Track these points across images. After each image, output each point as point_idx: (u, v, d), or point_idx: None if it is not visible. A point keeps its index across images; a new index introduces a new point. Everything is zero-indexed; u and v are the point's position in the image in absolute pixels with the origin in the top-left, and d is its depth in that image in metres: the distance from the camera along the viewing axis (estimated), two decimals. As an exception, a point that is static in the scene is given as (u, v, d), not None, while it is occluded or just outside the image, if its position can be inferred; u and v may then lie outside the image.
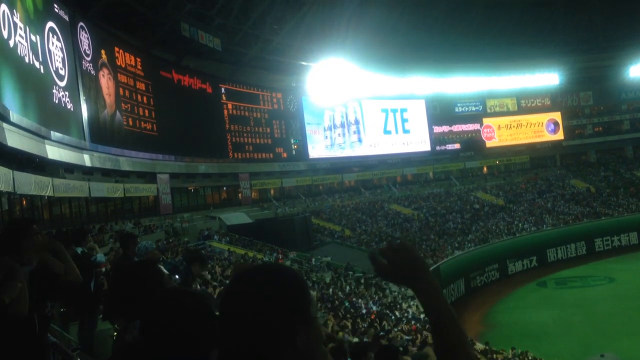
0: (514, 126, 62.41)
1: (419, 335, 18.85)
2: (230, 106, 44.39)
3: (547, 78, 61.79)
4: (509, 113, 62.86)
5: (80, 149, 27.68)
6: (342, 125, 54.02)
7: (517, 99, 62.99)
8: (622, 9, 58.72)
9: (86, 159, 28.15)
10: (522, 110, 63.16)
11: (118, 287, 2.68)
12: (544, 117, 62.95)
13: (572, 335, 26.27)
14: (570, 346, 24.28)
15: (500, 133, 61.95)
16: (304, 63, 49.54)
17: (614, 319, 27.70)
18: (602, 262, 43.00)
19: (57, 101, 25.37)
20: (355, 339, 15.12)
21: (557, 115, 62.96)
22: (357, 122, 54.69)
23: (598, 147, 63.87)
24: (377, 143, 55.53)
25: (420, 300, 1.68)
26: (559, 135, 62.81)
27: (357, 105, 54.76)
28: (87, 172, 29.26)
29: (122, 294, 2.56)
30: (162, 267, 2.74)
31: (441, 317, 1.66)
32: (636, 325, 26.35)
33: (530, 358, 21.03)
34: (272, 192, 49.16)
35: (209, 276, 18.85)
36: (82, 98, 28.38)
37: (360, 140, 54.85)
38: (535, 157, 62.75)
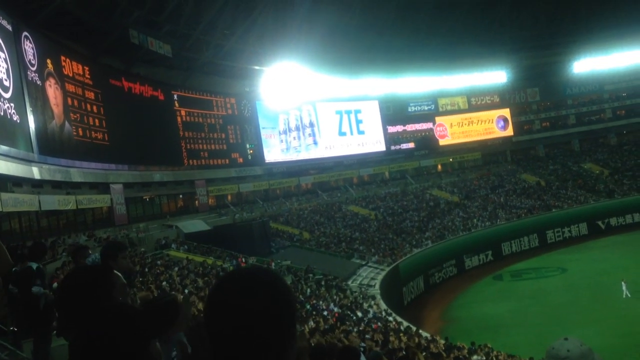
0: (465, 124, 63.67)
1: (380, 335, 19.03)
2: (183, 113, 43.88)
3: (496, 76, 63.35)
4: (460, 111, 64.11)
5: (28, 161, 26.88)
6: (297, 129, 54.06)
7: (467, 97, 64.30)
8: (565, 7, 60.76)
9: (35, 172, 27.37)
10: (472, 108, 64.51)
11: (65, 297, 2.52)
12: (494, 114, 64.44)
13: (529, 326, 27.01)
14: (527, 337, 24.95)
15: (453, 131, 63.10)
16: (256, 67, 49.39)
17: (568, 309, 28.62)
18: (555, 253, 44.35)
19: (2, 113, 24.59)
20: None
21: (506, 112, 64.54)
22: (312, 125, 54.83)
23: (546, 142, 65.84)
24: (332, 145, 55.79)
25: None
26: (509, 132, 64.39)
27: (312, 108, 54.90)
28: (36, 185, 28.46)
29: (69, 304, 2.41)
30: (116, 273, 2.65)
31: None
32: (589, 314, 27.31)
33: (491, 350, 21.46)
34: (229, 197, 48.79)
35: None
36: (29, 109, 27.56)
37: (315, 142, 55.00)
38: (487, 153, 64.20)
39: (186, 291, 21.20)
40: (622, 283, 29.43)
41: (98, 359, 1.72)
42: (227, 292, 1.42)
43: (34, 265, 7.29)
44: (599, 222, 50.04)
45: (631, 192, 53.74)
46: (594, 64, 63.62)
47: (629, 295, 28.98)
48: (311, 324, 19.21)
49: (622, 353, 20.99)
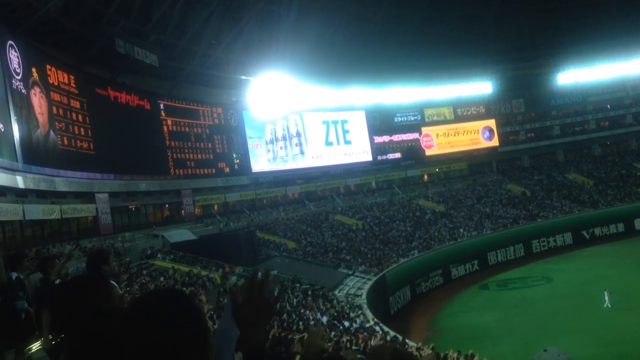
0: (451, 134, 64.06)
1: (367, 344, 19.01)
2: (169, 122, 43.74)
3: (481, 87, 63.90)
4: (446, 122, 64.51)
5: (12, 170, 26.65)
6: (284, 138, 54.08)
7: (453, 108, 64.76)
8: (549, 20, 61.59)
9: (19, 181, 27.12)
10: (458, 118, 64.95)
11: (63, 305, 2.46)
12: (480, 125, 64.91)
13: (514, 335, 27.08)
14: (512, 346, 25.03)
15: (439, 141, 63.46)
16: (243, 77, 49.43)
17: (553, 318, 28.76)
18: (540, 263, 44.63)
19: (-14, 122, 24.38)
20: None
21: (491, 123, 65.03)
22: (298, 135, 54.88)
23: (531, 152, 66.41)
24: (319, 155, 55.87)
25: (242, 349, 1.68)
26: (494, 142, 64.86)
27: (298, 118, 54.99)
28: (20, 195, 28.18)
29: (67, 312, 2.36)
30: (113, 283, 2.65)
31: None
32: (574, 323, 27.47)
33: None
34: (215, 207, 48.62)
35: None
36: (13, 118, 27.36)
37: (302, 152, 55.04)
38: (473, 163, 64.60)
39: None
40: (605, 293, 29.62)
41: None
42: (139, 313, 1.51)
43: (14, 275, 7.20)
44: (584, 232, 50.48)
45: (615, 203, 54.31)
46: (578, 75, 64.45)
47: (610, 306, 29.19)
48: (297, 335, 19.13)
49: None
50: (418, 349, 20.38)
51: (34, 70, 30.23)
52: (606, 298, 29.39)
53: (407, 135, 62.58)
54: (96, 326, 1.83)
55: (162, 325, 1.45)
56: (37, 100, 30.12)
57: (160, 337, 1.44)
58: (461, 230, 48.44)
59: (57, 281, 6.62)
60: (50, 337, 6.01)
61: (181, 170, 44.11)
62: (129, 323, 1.49)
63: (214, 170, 47.38)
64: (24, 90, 28.84)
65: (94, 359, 1.75)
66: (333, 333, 20.67)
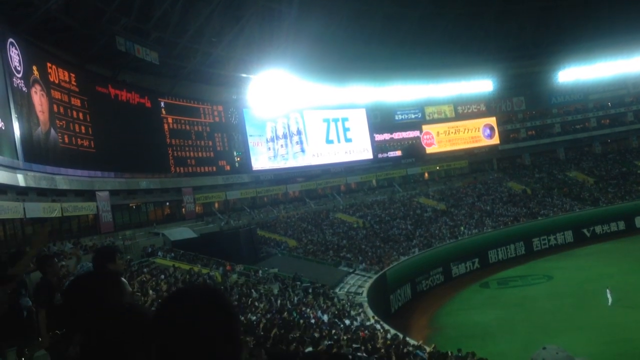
0: (452, 132, 64.03)
1: (368, 344, 19.02)
2: (170, 120, 43.74)
3: (482, 85, 63.84)
4: (447, 119, 64.48)
5: (13, 168, 26.65)
6: (285, 136, 54.07)
7: (454, 106, 64.71)
8: (550, 17, 61.50)
9: (20, 179, 27.13)
10: (459, 116, 64.91)
11: (74, 302, 2.53)
12: (480, 123, 64.86)
13: (515, 333, 27.08)
14: (513, 345, 25.03)
15: (440, 139, 63.43)
16: (244, 75, 49.40)
17: (553, 316, 28.77)
18: (541, 261, 44.62)
19: (-13, 120, 24.39)
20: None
21: (492, 121, 64.98)
22: (299, 133, 54.88)
23: (532, 150, 66.37)
24: (320, 153, 55.85)
25: None
26: (495, 140, 64.81)
27: (299, 116, 54.98)
28: (21, 193, 28.20)
29: (78, 309, 2.41)
30: (124, 280, 2.66)
31: None
32: (575, 321, 27.48)
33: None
34: (216, 205, 48.64)
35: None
36: (14, 116, 27.34)
37: (303, 150, 55.04)
38: (474, 161, 64.57)
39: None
40: (607, 291, 29.61)
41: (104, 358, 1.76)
42: (174, 310, 1.53)
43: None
44: (584, 230, 50.44)
45: (615, 200, 54.28)
46: (579, 73, 64.42)
47: (611, 303, 29.15)
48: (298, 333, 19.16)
49: (607, 360, 21.12)
50: (418, 347, 20.41)
51: (34, 68, 30.22)
52: (609, 296, 29.35)
53: (407, 133, 62.55)
54: (108, 323, 1.86)
55: (195, 321, 1.47)
56: (38, 98, 30.12)
57: (194, 332, 1.46)
58: (462, 228, 48.43)
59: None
60: (50, 334, 6.02)
61: (182, 168, 44.12)
62: (163, 319, 1.52)
63: (214, 168, 47.39)
64: (24, 89, 28.84)
65: (107, 355, 1.78)
66: (334, 331, 20.69)
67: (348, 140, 58.20)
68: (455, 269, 43.77)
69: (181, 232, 38.72)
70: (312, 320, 23.38)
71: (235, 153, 50.11)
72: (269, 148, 52.91)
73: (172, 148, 43.50)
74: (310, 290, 30.56)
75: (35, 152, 29.12)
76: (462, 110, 65.23)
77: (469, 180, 61.40)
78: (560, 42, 62.27)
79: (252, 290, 27.87)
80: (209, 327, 1.47)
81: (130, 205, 40.46)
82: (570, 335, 24.10)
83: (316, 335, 18.84)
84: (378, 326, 24.70)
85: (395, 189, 58.27)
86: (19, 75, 28.45)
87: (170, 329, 1.48)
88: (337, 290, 32.99)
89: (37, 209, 28.45)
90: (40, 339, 6.54)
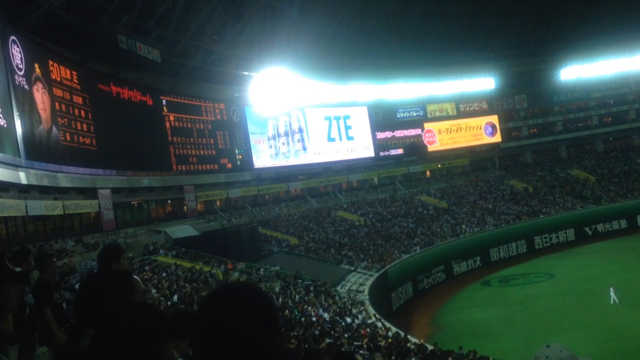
0: (454, 130, 63.97)
1: (369, 343, 19.03)
2: (172, 118, 43.75)
3: (484, 82, 63.76)
4: (448, 117, 64.43)
5: (15, 166, 26.69)
6: (286, 134, 54.08)
7: (456, 104, 64.65)
8: (552, 15, 61.37)
9: (22, 177, 27.16)
10: (461, 114, 64.85)
11: (87, 301, 2.55)
12: (482, 121, 64.81)
13: (516, 331, 27.07)
14: (514, 343, 25.02)
15: (441, 137, 63.38)
16: (245, 73, 49.37)
17: (555, 314, 28.74)
18: (542, 259, 44.57)
19: (-12, 118, 24.41)
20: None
21: (494, 119, 64.92)
22: (301, 131, 54.88)
23: (534, 148, 66.30)
24: (321, 151, 55.85)
25: None
26: (497, 138, 64.75)
27: (301, 114, 54.97)
28: (23, 190, 28.23)
29: (91, 307, 2.42)
30: (136, 278, 2.69)
31: None
32: (576, 319, 27.45)
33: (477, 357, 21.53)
34: (218, 203, 48.66)
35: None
36: (16, 114, 27.38)
37: (304, 148, 55.04)
38: (475, 159, 64.51)
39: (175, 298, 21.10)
40: (611, 289, 29.53)
41: (110, 356, 1.78)
42: (217, 309, 1.56)
43: (17, 270, 7.20)
44: (586, 228, 50.38)
45: (617, 199, 54.21)
46: (581, 71, 64.28)
47: (617, 301, 29.08)
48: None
49: (609, 359, 21.09)
50: (418, 345, 20.41)
51: (36, 66, 30.24)
52: (612, 294, 29.28)
53: (409, 131, 62.50)
54: (116, 321, 1.89)
55: (238, 317, 1.51)
56: (40, 96, 30.14)
57: (235, 328, 1.49)
58: (463, 226, 48.40)
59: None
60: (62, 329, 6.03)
61: (183, 166, 44.14)
62: (207, 314, 1.55)
63: (216, 166, 47.41)
64: (26, 86, 28.86)
65: (118, 352, 1.80)
66: (335, 330, 20.72)
67: (350, 138, 58.19)
68: (456, 267, 43.76)
69: (183, 230, 38.76)
70: (314, 318, 23.40)
71: (236, 151, 50.13)
72: (271, 146, 52.92)
73: (174, 146, 43.51)
74: (311, 288, 30.59)
75: (37, 150, 29.14)
76: (464, 108, 65.17)
77: (470, 178, 61.35)
78: (562, 40, 62.16)
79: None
80: (255, 321, 1.51)
81: (132, 203, 40.50)
82: (572, 334, 24.10)
83: (317, 333, 18.86)
84: (379, 324, 24.72)
85: (397, 187, 58.25)
86: (21, 73, 28.47)
87: (217, 326, 1.51)
88: (338, 288, 33.00)
89: (39, 207, 28.48)
90: (55, 336, 6.56)
